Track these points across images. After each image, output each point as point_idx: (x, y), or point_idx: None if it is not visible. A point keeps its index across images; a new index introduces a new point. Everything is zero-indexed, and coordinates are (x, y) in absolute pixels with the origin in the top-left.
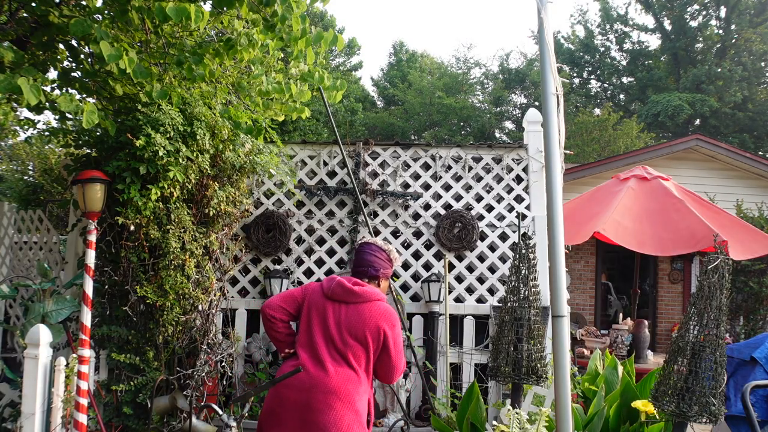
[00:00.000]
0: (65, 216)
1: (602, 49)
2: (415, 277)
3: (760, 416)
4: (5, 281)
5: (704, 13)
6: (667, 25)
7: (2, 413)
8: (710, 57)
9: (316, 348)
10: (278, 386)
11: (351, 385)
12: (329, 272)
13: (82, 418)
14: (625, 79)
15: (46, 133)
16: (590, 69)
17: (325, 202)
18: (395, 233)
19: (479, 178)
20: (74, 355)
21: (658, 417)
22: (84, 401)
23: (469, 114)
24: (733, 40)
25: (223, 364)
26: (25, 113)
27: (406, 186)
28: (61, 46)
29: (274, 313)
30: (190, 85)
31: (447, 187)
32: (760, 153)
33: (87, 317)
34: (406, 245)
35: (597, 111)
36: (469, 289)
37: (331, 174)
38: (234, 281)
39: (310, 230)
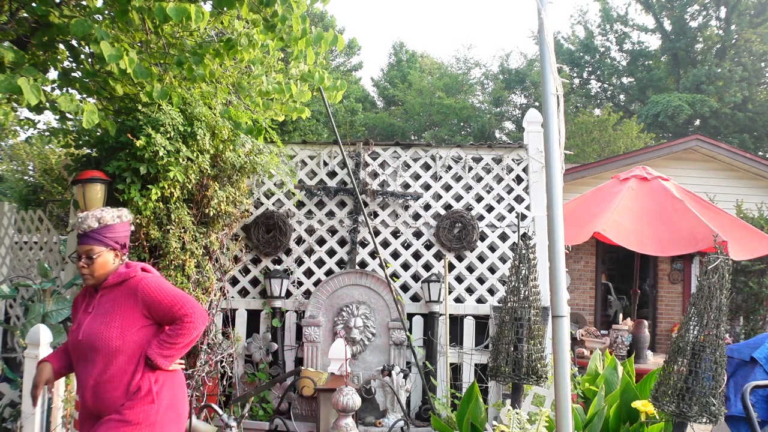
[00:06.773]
0: (65, 216)
1: (602, 49)
2: (415, 277)
3: (760, 416)
4: (5, 281)
5: (704, 13)
6: (667, 25)
7: (2, 413)
8: (710, 57)
9: None
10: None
11: None
12: (329, 272)
13: None
14: (625, 80)
15: (47, 133)
16: (590, 69)
17: (325, 202)
18: (395, 233)
19: (479, 179)
20: None
21: (658, 417)
22: None
23: (469, 114)
24: (733, 41)
25: (223, 364)
26: (25, 113)
27: (406, 186)
28: (61, 46)
29: None
30: (191, 85)
31: (447, 188)
32: (760, 153)
33: None
34: (406, 245)
35: (597, 111)
36: (469, 290)
37: (331, 174)
38: (234, 281)
39: (310, 230)
